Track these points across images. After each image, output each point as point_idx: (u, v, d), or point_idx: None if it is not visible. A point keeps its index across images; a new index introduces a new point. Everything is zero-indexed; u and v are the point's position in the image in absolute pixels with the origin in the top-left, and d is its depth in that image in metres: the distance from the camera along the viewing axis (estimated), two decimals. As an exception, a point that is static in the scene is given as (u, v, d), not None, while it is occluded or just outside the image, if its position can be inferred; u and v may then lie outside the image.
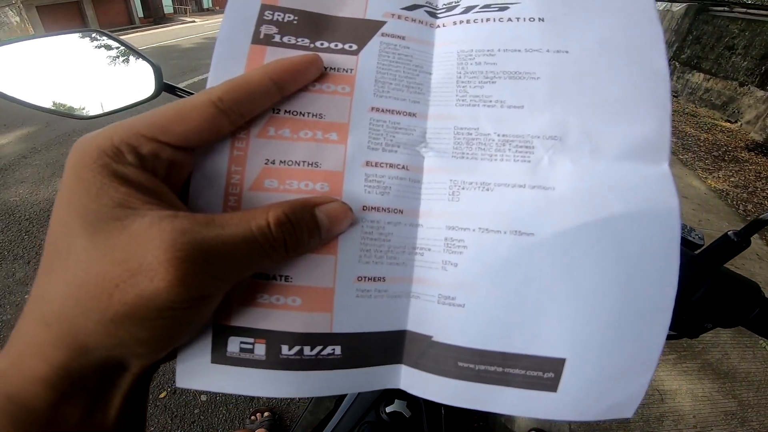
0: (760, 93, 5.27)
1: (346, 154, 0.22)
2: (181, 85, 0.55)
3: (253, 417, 1.36)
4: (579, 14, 0.22)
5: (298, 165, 0.21)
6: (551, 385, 0.19)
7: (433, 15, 0.25)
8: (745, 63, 5.67)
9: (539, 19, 0.23)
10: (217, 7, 25.43)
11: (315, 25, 0.23)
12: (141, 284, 0.14)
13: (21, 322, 0.16)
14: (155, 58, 0.54)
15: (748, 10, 6.09)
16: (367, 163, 0.22)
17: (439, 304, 0.21)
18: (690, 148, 4.49)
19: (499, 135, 0.22)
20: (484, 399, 0.20)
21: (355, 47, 0.23)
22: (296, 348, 0.20)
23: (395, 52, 0.23)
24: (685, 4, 7.25)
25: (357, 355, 0.21)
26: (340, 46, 0.23)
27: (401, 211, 0.22)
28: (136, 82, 0.53)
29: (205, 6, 24.77)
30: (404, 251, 0.22)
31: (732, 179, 3.75)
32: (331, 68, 0.22)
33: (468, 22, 0.24)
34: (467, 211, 0.21)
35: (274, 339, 0.20)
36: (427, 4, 0.25)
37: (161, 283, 0.14)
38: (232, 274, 0.17)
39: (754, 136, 5.03)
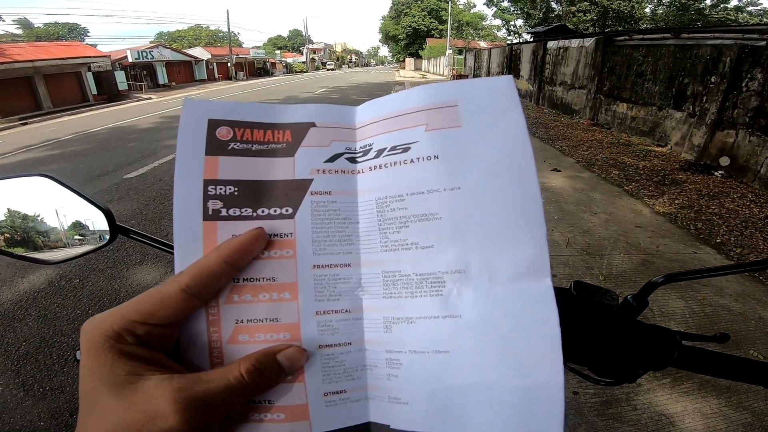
0: (678, 114, 5.83)
1: (299, 309, 0.27)
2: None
3: None
4: (465, 146, 0.26)
5: (262, 321, 0.26)
6: None
7: (353, 161, 0.28)
8: (657, 87, 6.27)
9: (434, 156, 0.27)
10: (173, 83, 25.94)
11: (254, 193, 0.27)
12: (160, 424, 0.21)
13: None
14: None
15: (645, 36, 6.82)
16: (317, 313, 0.27)
17: (390, 402, 0.27)
18: (632, 178, 4.84)
19: (417, 274, 0.27)
20: None
21: (291, 210, 0.27)
22: None
23: (325, 208, 0.27)
24: (594, 39, 8.14)
25: None
26: (278, 211, 0.27)
27: (350, 343, 0.27)
28: (90, 224, 0.52)
29: (161, 82, 25.19)
30: (357, 369, 0.27)
31: (676, 201, 4.06)
32: (274, 234, 0.26)
33: (380, 167, 0.28)
34: (399, 339, 0.27)
35: None
36: (346, 150, 0.28)
37: (174, 423, 0.21)
38: (222, 412, 0.23)
39: (685, 156, 5.52)
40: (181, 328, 0.25)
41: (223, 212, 0.26)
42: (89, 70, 16.92)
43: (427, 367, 0.26)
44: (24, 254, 0.53)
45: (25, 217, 0.54)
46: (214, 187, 0.26)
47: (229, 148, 0.27)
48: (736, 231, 3.39)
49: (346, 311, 0.27)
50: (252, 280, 0.26)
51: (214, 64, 31.79)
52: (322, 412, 0.26)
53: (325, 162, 0.28)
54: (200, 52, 31.45)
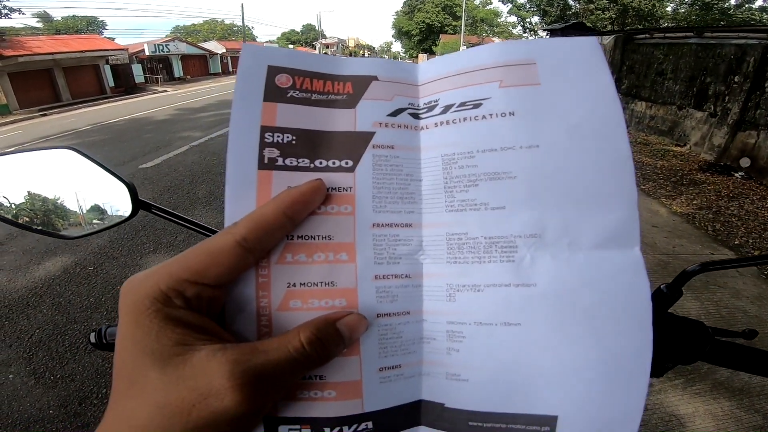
0: (698, 114, 5.69)
1: (356, 272, 0.25)
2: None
3: None
4: (545, 104, 0.24)
5: (317, 285, 0.24)
6: None
7: (416, 117, 0.27)
8: (677, 86, 6.13)
9: (510, 113, 0.25)
10: (188, 76, 26.27)
11: (312, 144, 0.25)
12: (213, 404, 0.18)
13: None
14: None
15: (666, 35, 6.68)
16: (376, 277, 0.25)
17: (447, 379, 0.25)
18: (650, 177, 4.75)
19: (485, 238, 0.24)
20: None
21: (351, 163, 0.25)
22: (336, 428, 0.24)
23: (387, 163, 0.26)
24: (612, 36, 7.99)
25: (385, 426, 0.25)
26: (337, 163, 0.25)
27: (408, 313, 0.25)
28: (113, 199, 0.52)
29: (177, 75, 25.52)
30: (414, 342, 0.25)
31: (695, 202, 3.97)
32: (332, 188, 0.25)
33: (447, 123, 0.26)
34: (463, 309, 0.25)
35: (317, 424, 0.24)
36: (409, 106, 0.27)
37: (231, 402, 0.18)
38: (282, 387, 0.21)
39: (705, 157, 5.39)
40: (226, 294, 0.23)
41: (280, 161, 0.24)
42: (107, 62, 17.16)
43: (493, 341, 0.24)
44: (45, 229, 0.54)
45: (51, 191, 0.54)
46: (271, 134, 0.24)
47: (288, 95, 0.25)
48: (754, 233, 3.30)
49: (406, 276, 0.25)
50: (307, 237, 0.24)
51: (229, 57, 32.04)
52: (375, 389, 0.25)
53: (388, 116, 0.26)
54: (215, 46, 31.71)
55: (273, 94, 0.25)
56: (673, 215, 3.70)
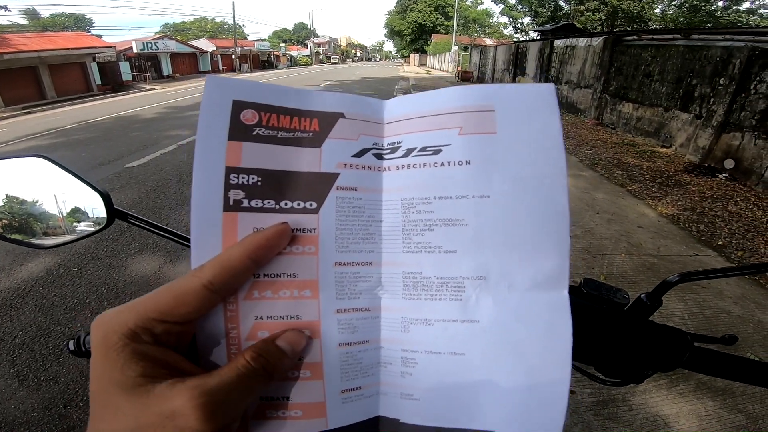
0: (684, 115, 5.78)
1: (320, 307, 0.26)
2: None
3: None
4: (499, 154, 0.26)
5: (283, 319, 0.26)
6: None
7: (380, 157, 0.28)
8: (664, 88, 6.22)
9: (466, 162, 0.26)
10: (177, 74, 25.93)
11: (278, 184, 0.25)
12: (180, 424, 0.20)
13: None
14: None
15: (654, 36, 6.75)
16: (338, 311, 0.27)
17: (401, 399, 0.28)
18: (635, 178, 4.81)
19: (438, 278, 0.27)
20: None
21: (315, 205, 0.26)
22: None
23: (350, 205, 0.27)
24: (602, 38, 8.06)
25: None
26: (302, 205, 0.26)
27: (368, 341, 0.27)
28: (87, 208, 0.51)
29: (165, 73, 25.17)
30: (372, 366, 0.28)
31: (679, 203, 4.03)
32: (297, 229, 0.26)
33: (408, 167, 0.27)
34: (416, 339, 0.27)
35: None
36: (374, 146, 0.28)
37: (195, 422, 0.20)
38: (239, 403, 0.22)
39: (690, 158, 5.48)
40: (198, 326, 0.25)
41: (245, 203, 0.25)
42: (94, 60, 16.89)
43: (441, 366, 0.27)
44: (19, 239, 0.52)
45: (22, 201, 0.53)
46: (236, 175, 0.25)
47: (254, 133, 0.25)
48: (738, 234, 3.37)
49: (366, 309, 0.27)
50: (273, 276, 0.25)
51: (219, 56, 31.73)
52: (338, 408, 0.27)
53: (353, 156, 0.27)
54: (205, 44, 31.39)
55: (238, 132, 0.25)
56: (659, 216, 3.75)
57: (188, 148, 6.12)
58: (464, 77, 20.26)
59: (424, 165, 0.27)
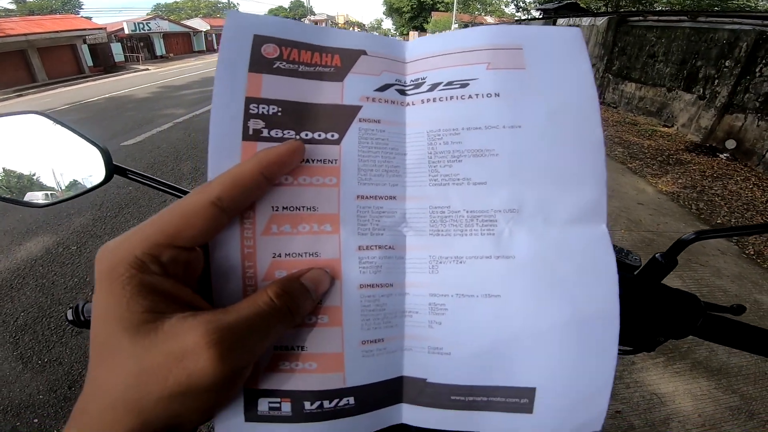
0: (687, 96, 5.74)
1: (340, 243, 0.25)
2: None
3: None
4: (529, 87, 0.25)
5: (301, 256, 0.24)
6: (527, 408, 0.25)
7: (403, 93, 0.27)
8: (668, 69, 6.16)
9: (495, 94, 0.25)
10: (171, 54, 25.37)
11: (298, 115, 0.25)
12: (190, 366, 0.18)
13: (84, 405, 0.19)
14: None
15: (660, 18, 6.66)
16: (359, 248, 0.25)
17: (429, 353, 0.25)
18: (636, 156, 4.80)
19: (467, 211, 0.25)
20: (475, 423, 0.25)
21: (336, 136, 0.25)
22: (317, 403, 0.24)
23: (373, 137, 0.25)
24: (606, 18, 7.92)
25: (367, 402, 0.25)
26: (323, 135, 0.25)
27: (391, 285, 0.25)
28: (85, 165, 0.49)
29: (158, 53, 24.64)
30: (396, 315, 0.26)
31: (680, 181, 4.03)
32: (317, 160, 0.25)
33: (434, 100, 0.26)
34: (445, 281, 0.25)
35: (297, 397, 0.24)
36: (396, 82, 0.27)
37: (206, 362, 0.18)
38: (257, 344, 0.20)
39: (691, 138, 5.46)
40: (212, 265, 0.23)
41: (264, 133, 0.24)
42: (84, 42, 16.55)
43: (475, 312, 0.25)
44: (14, 197, 0.51)
45: (17, 159, 0.51)
46: (256, 105, 0.24)
47: (275, 66, 0.25)
48: (737, 213, 3.38)
49: (390, 247, 0.25)
50: (292, 209, 0.24)
51: (213, 35, 30.96)
52: (357, 362, 0.25)
53: (375, 90, 0.26)
54: (199, 24, 30.59)
55: (259, 64, 0.24)
56: (659, 193, 3.76)
57: (184, 126, 6.03)
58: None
59: (451, 98, 0.26)
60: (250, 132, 0.24)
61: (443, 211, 0.25)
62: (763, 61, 4.54)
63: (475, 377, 0.25)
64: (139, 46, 23.06)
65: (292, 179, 0.24)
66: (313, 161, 0.24)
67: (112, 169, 0.49)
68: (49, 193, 0.52)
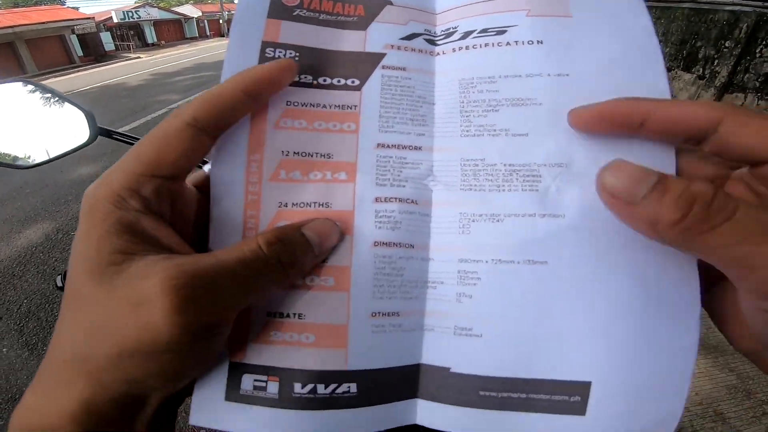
0: (687, 76, 5.79)
1: (355, 193, 0.22)
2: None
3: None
4: (577, 35, 0.22)
5: (310, 206, 0.21)
6: (579, 409, 0.19)
7: (432, 42, 0.25)
8: (668, 49, 6.20)
9: (537, 41, 0.22)
10: (162, 42, 24.98)
11: (316, 61, 0.23)
12: (143, 317, 0.15)
13: (46, 361, 0.17)
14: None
15: None
16: (377, 200, 0.22)
17: (456, 335, 0.21)
18: (638, 136, 4.83)
19: (505, 165, 0.21)
20: (510, 426, 0.20)
21: (357, 82, 0.23)
22: (309, 386, 0.20)
23: (397, 84, 0.23)
24: None
25: (372, 392, 0.21)
26: (342, 82, 0.23)
27: (412, 246, 0.22)
28: (70, 128, 0.53)
29: (150, 41, 24.26)
30: (417, 285, 0.22)
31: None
32: (335, 105, 0.23)
33: (467, 48, 0.23)
34: (479, 243, 0.21)
35: (287, 377, 0.20)
36: (425, 32, 0.25)
37: (160, 313, 0.15)
38: (232, 300, 0.17)
39: (690, 120, 5.55)
40: (211, 210, 0.21)
41: None
42: (73, 32, 16.52)
43: (514, 284, 0.20)
44: (2, 161, 0.53)
45: (4, 124, 0.54)
46: (272, 49, 0.23)
47: (294, 14, 0.24)
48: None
49: (412, 202, 0.22)
50: (304, 154, 0.22)
51: (205, 21, 30.49)
52: (364, 339, 0.21)
53: (401, 39, 0.24)
54: (190, 10, 30.05)
55: (278, 11, 0.23)
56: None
57: (180, 114, 5.98)
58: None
59: (486, 45, 0.23)
60: None
61: (476, 164, 0.22)
62: (764, 42, 4.57)
63: (511, 368, 0.20)
64: (130, 34, 22.76)
65: (306, 123, 0.22)
66: (330, 106, 0.22)
67: (96, 131, 0.52)
68: (36, 153, 0.54)
